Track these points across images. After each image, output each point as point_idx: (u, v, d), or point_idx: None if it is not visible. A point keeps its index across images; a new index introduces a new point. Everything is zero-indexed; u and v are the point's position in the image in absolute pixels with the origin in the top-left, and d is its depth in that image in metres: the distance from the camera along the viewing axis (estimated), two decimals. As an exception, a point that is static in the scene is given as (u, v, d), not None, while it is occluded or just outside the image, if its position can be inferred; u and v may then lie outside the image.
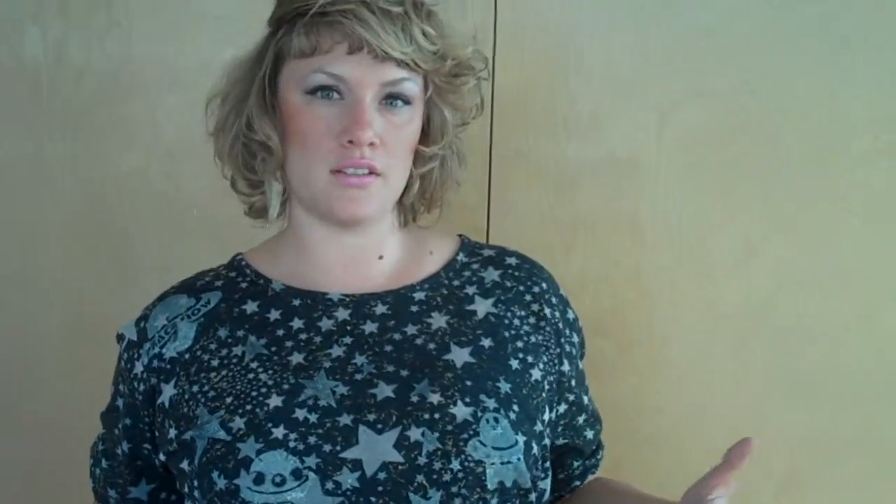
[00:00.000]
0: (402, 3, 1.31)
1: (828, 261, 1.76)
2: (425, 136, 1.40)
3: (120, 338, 1.45)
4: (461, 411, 1.28)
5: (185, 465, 1.32)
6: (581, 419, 1.49)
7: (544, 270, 1.48)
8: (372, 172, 1.32)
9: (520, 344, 1.38)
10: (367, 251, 1.42)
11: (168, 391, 1.36)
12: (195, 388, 1.34)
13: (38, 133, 1.95)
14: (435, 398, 1.29)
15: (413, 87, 1.34)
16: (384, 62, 1.30)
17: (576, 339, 1.47)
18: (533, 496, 1.31)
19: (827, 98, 1.72)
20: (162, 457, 1.39)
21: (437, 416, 1.27)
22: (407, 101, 1.34)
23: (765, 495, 1.80)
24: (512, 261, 1.47)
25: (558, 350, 1.42)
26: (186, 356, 1.37)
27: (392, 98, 1.33)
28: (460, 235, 1.50)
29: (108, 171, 1.93)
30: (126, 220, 1.95)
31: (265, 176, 1.41)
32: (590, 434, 1.52)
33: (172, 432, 1.34)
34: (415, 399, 1.29)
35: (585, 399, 1.49)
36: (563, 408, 1.45)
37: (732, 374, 1.79)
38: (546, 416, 1.38)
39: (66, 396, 2.00)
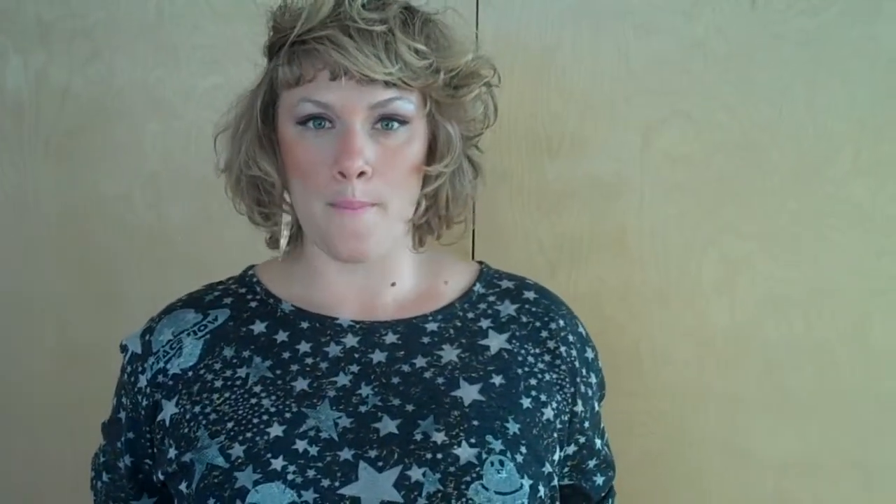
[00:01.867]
0: (385, 20, 1.25)
1: (814, 278, 1.75)
2: (432, 152, 1.34)
3: (123, 349, 1.42)
4: (465, 452, 1.24)
5: (182, 486, 1.30)
6: (591, 463, 1.46)
7: (563, 306, 1.45)
8: (368, 205, 1.28)
9: (533, 382, 1.35)
10: (379, 278, 1.39)
11: (169, 409, 1.34)
12: (197, 409, 1.32)
13: (21, 160, 1.95)
14: (439, 437, 1.25)
15: (406, 105, 1.28)
16: (370, 85, 1.25)
17: (593, 379, 1.43)
18: None
19: (809, 115, 1.72)
20: (160, 476, 1.37)
21: (439, 456, 1.24)
22: (403, 121, 1.28)
23: (757, 516, 1.79)
24: (530, 295, 1.43)
25: (573, 389, 1.38)
26: (190, 374, 1.35)
27: (386, 120, 1.27)
28: (480, 263, 1.48)
29: (92, 199, 1.93)
30: (110, 247, 1.94)
31: (273, 209, 1.38)
32: (599, 480, 1.48)
33: (172, 452, 1.32)
34: (418, 437, 1.26)
35: (598, 443, 1.46)
36: (572, 449, 1.42)
37: (721, 394, 1.78)
38: (556, 456, 1.35)
39: (54, 422, 2.00)
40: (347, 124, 1.26)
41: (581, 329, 1.45)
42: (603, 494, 1.50)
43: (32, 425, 2.02)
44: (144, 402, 1.38)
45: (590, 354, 1.44)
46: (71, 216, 1.94)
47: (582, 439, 1.42)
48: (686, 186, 1.75)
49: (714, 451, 1.79)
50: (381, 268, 1.38)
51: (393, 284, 1.39)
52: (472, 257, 1.78)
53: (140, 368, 1.39)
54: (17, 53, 1.92)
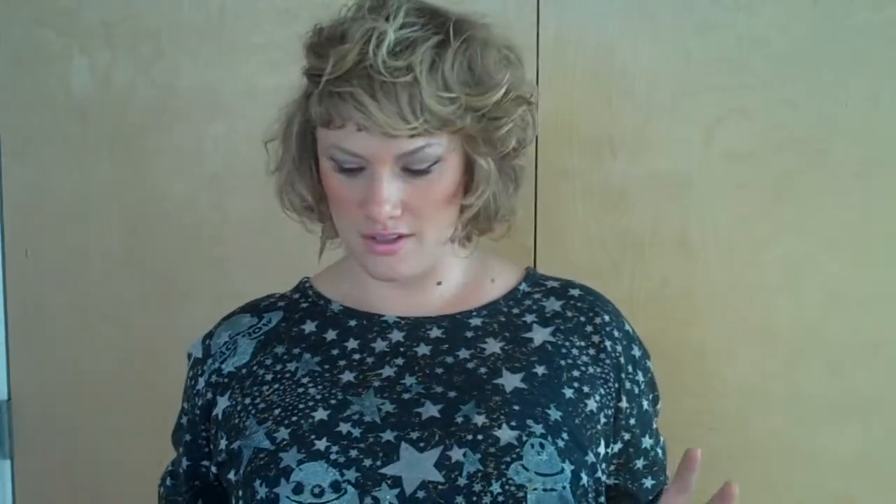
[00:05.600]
0: (411, 67, 1.21)
1: (879, 277, 1.73)
2: (469, 178, 1.32)
3: (188, 357, 1.47)
4: (506, 434, 1.26)
5: (231, 475, 1.33)
6: (640, 463, 1.45)
7: (609, 304, 1.45)
8: (402, 236, 1.29)
9: (576, 373, 1.35)
10: (424, 279, 1.39)
11: (223, 403, 1.38)
12: (247, 401, 1.35)
13: (85, 162, 1.97)
14: (480, 420, 1.27)
15: (436, 149, 1.26)
16: (395, 137, 1.23)
17: (640, 377, 1.43)
18: None
19: (873, 110, 1.70)
20: (214, 469, 1.40)
21: (480, 437, 1.25)
22: (434, 161, 1.27)
23: (819, 516, 1.78)
24: (575, 292, 1.44)
25: (617, 385, 1.38)
26: (243, 371, 1.39)
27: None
28: (527, 268, 1.48)
29: (155, 200, 1.94)
30: (172, 248, 1.96)
31: (316, 222, 1.41)
32: (648, 483, 1.47)
33: (223, 443, 1.36)
34: (459, 420, 1.27)
35: (647, 443, 1.45)
36: (618, 447, 1.41)
37: (785, 393, 1.76)
38: (601, 450, 1.35)
39: (118, 422, 2.02)
40: (375, 172, 1.26)
41: (627, 327, 1.45)
42: (651, 498, 1.49)
43: (98, 426, 2.05)
44: (201, 402, 1.41)
45: (636, 352, 1.43)
46: (134, 217, 1.96)
47: (627, 436, 1.42)
48: (749, 184, 1.73)
49: (778, 451, 1.77)
50: (426, 272, 1.38)
51: (439, 283, 1.41)
52: (534, 256, 1.78)
53: (200, 371, 1.43)
54: (82, 55, 1.94)
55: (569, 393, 1.33)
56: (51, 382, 2.05)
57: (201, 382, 1.42)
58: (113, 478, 2.02)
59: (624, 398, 1.39)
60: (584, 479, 1.29)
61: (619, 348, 1.40)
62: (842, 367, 1.75)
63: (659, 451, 1.49)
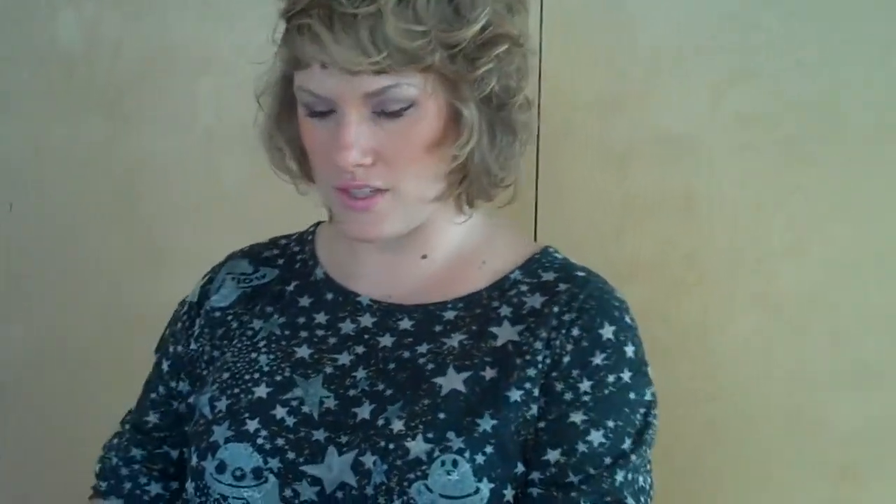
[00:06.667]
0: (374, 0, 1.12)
1: (887, 243, 1.69)
2: (456, 127, 1.21)
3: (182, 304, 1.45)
4: (417, 447, 1.17)
5: (187, 428, 1.34)
6: (571, 475, 1.21)
7: (603, 304, 1.27)
8: (378, 191, 1.20)
9: (531, 372, 1.22)
10: (408, 249, 1.31)
11: (193, 341, 1.38)
12: (215, 354, 1.34)
13: (73, 116, 1.93)
14: (397, 426, 1.19)
15: (406, 90, 1.16)
16: (359, 74, 1.14)
17: (585, 386, 1.23)
18: None
19: (883, 74, 1.65)
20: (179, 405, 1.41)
21: (391, 446, 1.18)
22: (407, 105, 1.17)
23: (822, 487, 1.74)
24: (563, 286, 1.28)
25: (542, 382, 1.23)
26: (217, 314, 1.37)
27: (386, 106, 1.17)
28: (544, 248, 1.35)
29: (144, 155, 1.91)
30: (161, 204, 1.93)
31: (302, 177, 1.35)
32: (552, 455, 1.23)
33: (184, 386, 1.38)
34: (380, 423, 1.21)
35: (552, 455, 1.22)
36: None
37: (789, 360, 1.72)
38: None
39: (102, 382, 1.99)
40: (343, 113, 1.17)
41: (608, 335, 1.25)
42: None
43: (85, 382, 2.03)
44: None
45: (597, 360, 1.24)
46: (122, 172, 1.93)
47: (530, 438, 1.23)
48: (756, 146, 1.68)
49: (781, 419, 1.74)
50: (412, 239, 1.29)
51: (424, 257, 1.32)
52: (535, 219, 1.74)
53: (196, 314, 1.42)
54: (69, 6, 1.89)
55: (515, 395, 1.21)
56: (31, 341, 2.02)
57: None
58: (94, 440, 2.00)
59: (542, 398, 1.23)
60: (509, 493, 1.19)
61: (568, 346, 1.24)
62: (847, 334, 1.71)
63: (623, 474, 1.22)
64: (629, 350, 1.26)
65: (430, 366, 1.24)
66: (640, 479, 1.24)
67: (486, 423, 1.19)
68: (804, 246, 1.69)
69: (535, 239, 1.70)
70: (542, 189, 1.74)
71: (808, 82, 1.66)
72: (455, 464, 1.16)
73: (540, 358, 1.23)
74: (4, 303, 2.04)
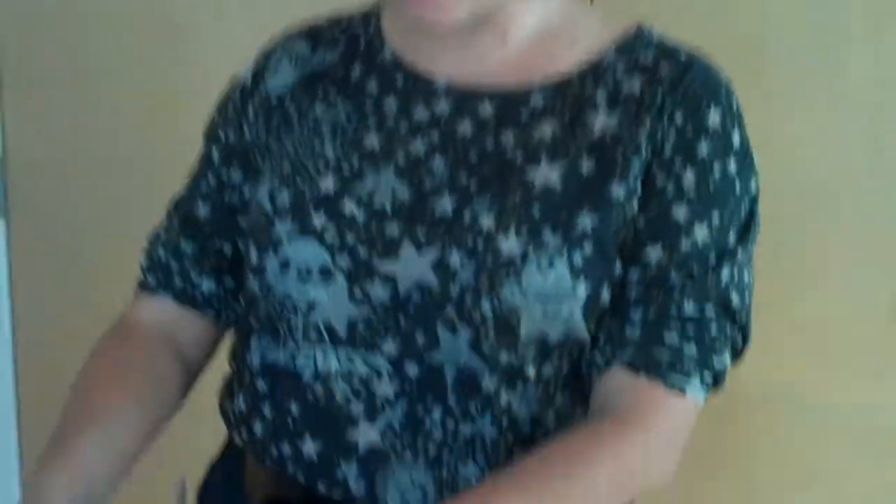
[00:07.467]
0: None
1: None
2: None
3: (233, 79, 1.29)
4: (509, 245, 1.07)
5: (242, 221, 1.23)
6: (673, 276, 1.11)
7: (713, 89, 1.13)
8: None
9: (635, 165, 1.10)
10: (483, 33, 1.14)
11: (247, 129, 1.23)
12: (272, 143, 1.20)
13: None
14: (487, 222, 1.09)
15: None
16: None
17: (690, 177, 1.11)
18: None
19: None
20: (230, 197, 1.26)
21: (481, 243, 1.08)
22: None
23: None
24: (666, 67, 1.13)
25: (645, 168, 1.11)
26: (274, 101, 1.22)
27: None
28: (637, 25, 1.17)
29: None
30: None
31: None
32: (689, 308, 1.10)
33: (237, 176, 1.24)
34: (467, 218, 1.09)
35: (687, 242, 1.11)
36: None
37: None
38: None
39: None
40: None
41: (717, 123, 1.12)
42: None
43: (99, 192, 1.99)
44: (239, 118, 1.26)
45: (703, 150, 1.11)
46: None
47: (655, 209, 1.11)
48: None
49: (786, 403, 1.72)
50: (492, 16, 1.13)
51: (505, 35, 1.16)
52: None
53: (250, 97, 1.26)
54: None
55: (618, 191, 1.10)
56: (48, 138, 1.97)
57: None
58: (113, 242, 1.84)
59: (643, 191, 1.11)
60: (605, 295, 1.11)
61: (671, 134, 1.11)
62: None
63: (731, 280, 1.12)
64: (736, 137, 1.14)
65: (520, 157, 1.12)
66: (746, 274, 1.15)
67: (585, 221, 1.09)
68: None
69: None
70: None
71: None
72: (551, 264, 1.08)
73: (643, 148, 1.11)
74: (19, 98, 1.99)
